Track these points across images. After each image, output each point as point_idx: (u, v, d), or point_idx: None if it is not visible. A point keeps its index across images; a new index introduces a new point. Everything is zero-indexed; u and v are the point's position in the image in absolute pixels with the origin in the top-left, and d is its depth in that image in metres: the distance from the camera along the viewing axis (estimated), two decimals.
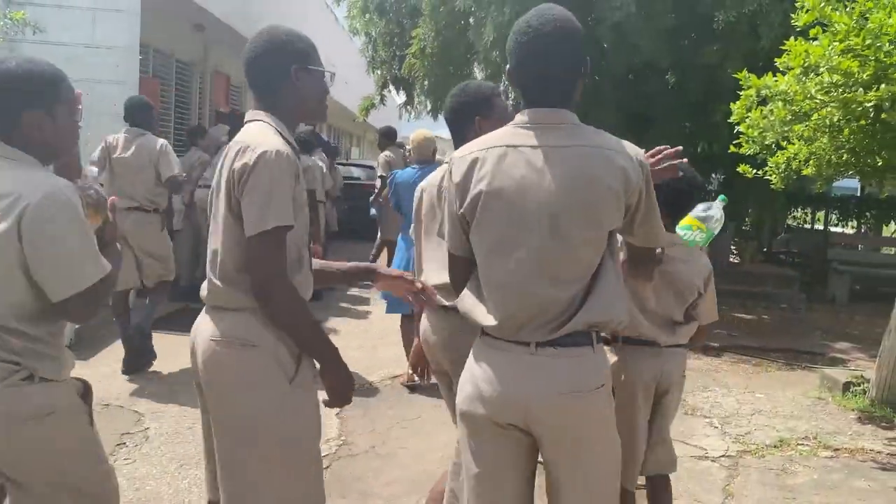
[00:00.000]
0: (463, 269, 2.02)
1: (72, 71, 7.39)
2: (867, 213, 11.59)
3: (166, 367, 5.29)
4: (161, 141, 5.60)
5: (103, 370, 5.17)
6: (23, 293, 1.85)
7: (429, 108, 11.21)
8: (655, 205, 1.94)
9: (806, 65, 4.18)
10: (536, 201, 1.84)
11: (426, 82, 10.32)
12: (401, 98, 12.02)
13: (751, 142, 5.15)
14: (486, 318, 1.91)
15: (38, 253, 1.82)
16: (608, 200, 1.84)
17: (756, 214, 9.71)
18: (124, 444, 4.10)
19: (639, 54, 8.39)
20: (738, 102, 5.23)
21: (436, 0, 9.38)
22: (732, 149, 5.29)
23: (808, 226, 12.41)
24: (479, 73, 11.28)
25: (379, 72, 11.48)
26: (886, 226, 11.98)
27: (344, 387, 2.05)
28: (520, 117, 1.94)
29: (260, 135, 2.00)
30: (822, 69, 4.09)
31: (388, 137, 9.57)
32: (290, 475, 1.98)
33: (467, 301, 1.99)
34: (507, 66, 1.97)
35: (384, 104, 11.78)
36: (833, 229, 12.68)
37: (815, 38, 4.46)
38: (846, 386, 5.51)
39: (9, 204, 1.81)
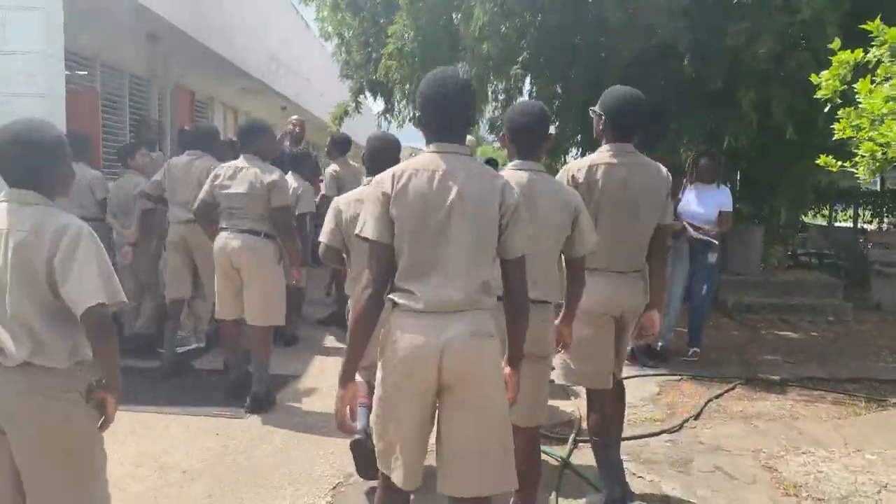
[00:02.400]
0: None
1: None
2: None
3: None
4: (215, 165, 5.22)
5: None
6: None
7: (410, 115, 9.70)
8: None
9: None
10: (630, 196, 3.18)
11: (406, 86, 8.83)
12: (379, 106, 10.49)
13: (853, 126, 3.67)
14: (605, 261, 3.17)
15: None
16: (662, 195, 3.26)
17: (785, 214, 8.30)
18: None
19: (653, 36, 6.97)
20: (826, 73, 3.78)
21: None
22: (838, 133, 3.82)
23: (821, 223, 11.03)
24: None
25: (354, 77, 9.96)
26: None
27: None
28: (610, 147, 3.22)
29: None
30: None
31: (338, 146, 7.15)
32: None
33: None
34: (605, 118, 3.21)
35: (360, 112, 10.24)
36: (842, 225, 11.37)
37: None
38: None
39: None
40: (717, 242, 5.90)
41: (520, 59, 7.80)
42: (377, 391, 2.34)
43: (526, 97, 9.70)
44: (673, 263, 6.06)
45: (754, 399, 5.13)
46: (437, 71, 2.38)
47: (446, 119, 2.33)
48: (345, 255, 3.72)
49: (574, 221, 2.84)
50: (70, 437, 2.15)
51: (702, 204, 5.99)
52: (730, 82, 7.14)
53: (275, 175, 4.67)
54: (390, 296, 2.31)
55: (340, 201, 3.71)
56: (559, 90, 8.69)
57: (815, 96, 3.94)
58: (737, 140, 7.16)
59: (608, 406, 3.29)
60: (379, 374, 2.33)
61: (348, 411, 2.37)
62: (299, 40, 14.71)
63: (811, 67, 6.75)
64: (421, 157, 2.33)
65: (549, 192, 2.82)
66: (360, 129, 18.23)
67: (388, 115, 10.38)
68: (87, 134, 6.27)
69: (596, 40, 7.87)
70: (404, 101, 9.25)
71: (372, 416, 2.39)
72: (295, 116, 7.49)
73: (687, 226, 5.87)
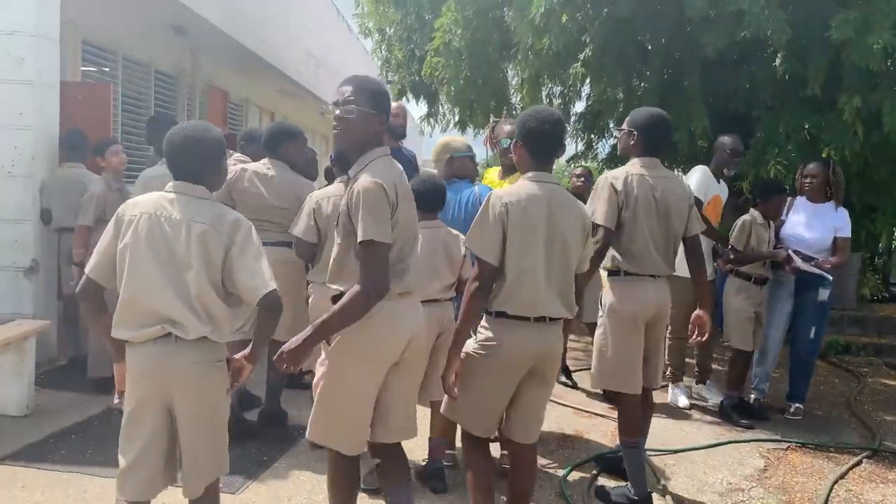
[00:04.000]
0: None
1: None
2: None
3: None
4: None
5: None
6: None
7: (456, 118, 8.59)
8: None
9: None
10: (661, 205, 3.26)
11: (452, 87, 7.69)
12: (422, 109, 9.42)
13: None
14: (640, 266, 3.29)
15: None
16: (686, 206, 3.35)
17: (885, 239, 6.98)
18: None
19: (740, 28, 5.75)
20: None
21: None
22: None
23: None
24: (513, 75, 8.69)
25: (395, 77, 8.91)
26: None
27: None
28: (639, 161, 3.32)
29: None
30: None
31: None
32: None
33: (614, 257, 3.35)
34: (637, 135, 3.31)
35: None
36: None
37: None
38: None
39: None
40: (830, 277, 4.66)
41: (581, 55, 6.65)
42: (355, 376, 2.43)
43: (584, 102, 8.55)
44: (774, 300, 4.84)
45: (890, 481, 3.88)
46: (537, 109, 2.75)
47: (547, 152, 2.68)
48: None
49: (585, 237, 2.73)
50: (217, 397, 2.35)
51: (813, 227, 4.75)
52: (829, 85, 5.91)
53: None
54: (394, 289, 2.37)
55: (318, 196, 3.64)
56: (619, 95, 7.49)
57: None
58: (839, 153, 5.90)
59: (637, 410, 3.35)
60: (362, 363, 2.41)
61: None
62: (340, 41, 13.76)
63: None
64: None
65: (568, 207, 2.67)
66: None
67: (430, 119, 9.31)
68: (84, 134, 5.29)
69: (671, 36, 6.68)
70: (449, 103, 8.16)
71: (337, 397, 2.45)
72: (394, 103, 5.76)
73: (792, 254, 4.64)
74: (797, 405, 4.80)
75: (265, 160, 4.06)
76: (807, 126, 6.13)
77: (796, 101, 6.30)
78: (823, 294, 4.74)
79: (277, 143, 4.05)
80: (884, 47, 5.28)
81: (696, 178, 4.87)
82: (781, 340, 4.88)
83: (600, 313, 3.38)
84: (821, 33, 5.65)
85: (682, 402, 4.93)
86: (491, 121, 4.24)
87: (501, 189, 2.62)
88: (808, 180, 4.86)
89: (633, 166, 3.31)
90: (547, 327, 2.60)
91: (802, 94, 6.16)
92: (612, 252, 3.32)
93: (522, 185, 2.61)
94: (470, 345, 2.63)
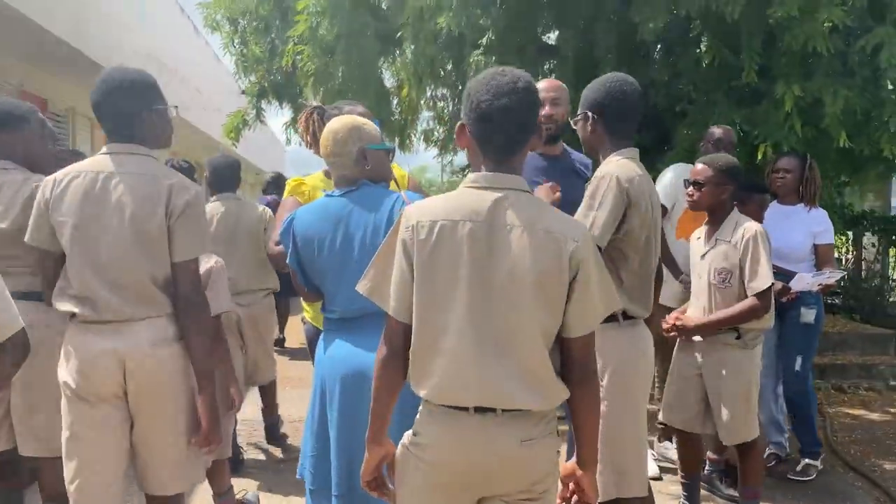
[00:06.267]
0: None
1: None
2: None
3: None
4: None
5: None
6: None
7: None
8: None
9: None
10: (655, 218, 2.27)
11: (321, 86, 6.20)
12: (286, 114, 7.85)
13: None
14: (641, 306, 2.24)
15: None
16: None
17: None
18: None
19: (677, 4, 4.76)
20: None
21: None
22: None
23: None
24: (390, 77, 7.36)
25: (253, 76, 7.31)
26: None
27: None
28: (628, 152, 2.26)
29: None
30: None
31: (278, 187, 6.36)
32: None
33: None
34: (594, 116, 2.28)
35: (262, 121, 7.58)
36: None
37: None
38: None
39: None
40: (815, 290, 3.61)
41: (483, 40, 5.40)
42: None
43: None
44: None
45: None
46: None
47: None
48: None
49: (574, 280, 1.49)
50: None
51: (787, 235, 3.71)
52: (764, 72, 5.03)
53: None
54: None
55: None
56: None
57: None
58: (776, 149, 4.99)
59: None
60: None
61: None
62: (186, 42, 11.85)
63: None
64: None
65: (524, 227, 1.49)
66: (265, 149, 15.10)
67: (296, 127, 7.77)
68: None
69: (584, 21, 5.60)
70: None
71: None
72: (544, 81, 3.24)
73: (796, 280, 3.56)
74: (809, 461, 3.71)
75: None
76: (738, 121, 5.23)
77: (723, 93, 5.38)
78: (808, 315, 3.69)
79: None
80: (834, 26, 4.42)
81: (667, 180, 3.75)
82: (777, 378, 3.78)
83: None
84: (755, 11, 4.74)
85: (650, 469, 3.72)
86: (311, 106, 2.82)
87: (418, 202, 1.65)
88: (780, 176, 3.85)
89: (632, 161, 2.25)
90: (496, 424, 1.51)
91: (731, 85, 5.27)
92: None
93: (450, 196, 1.61)
94: (407, 434, 1.65)
